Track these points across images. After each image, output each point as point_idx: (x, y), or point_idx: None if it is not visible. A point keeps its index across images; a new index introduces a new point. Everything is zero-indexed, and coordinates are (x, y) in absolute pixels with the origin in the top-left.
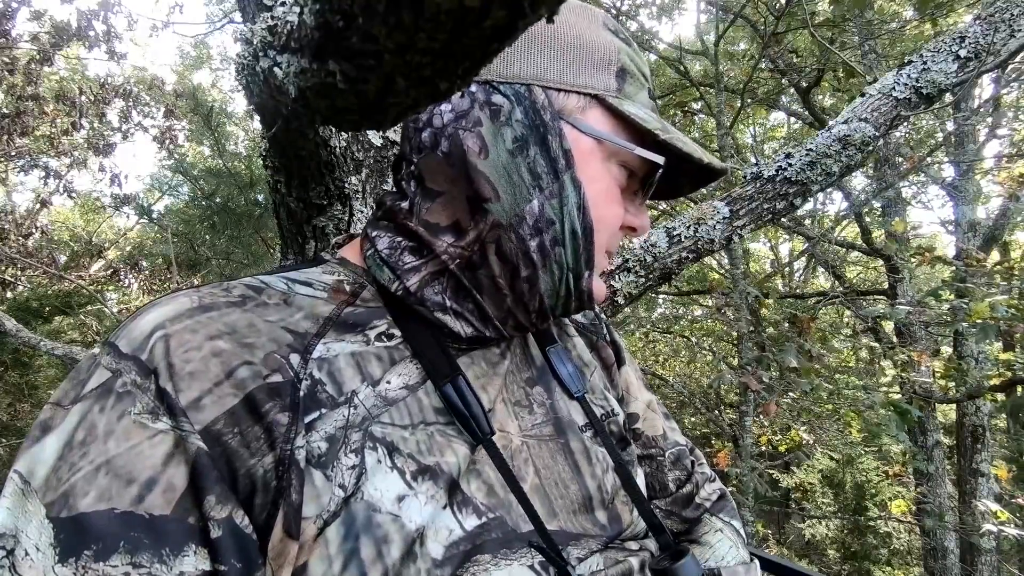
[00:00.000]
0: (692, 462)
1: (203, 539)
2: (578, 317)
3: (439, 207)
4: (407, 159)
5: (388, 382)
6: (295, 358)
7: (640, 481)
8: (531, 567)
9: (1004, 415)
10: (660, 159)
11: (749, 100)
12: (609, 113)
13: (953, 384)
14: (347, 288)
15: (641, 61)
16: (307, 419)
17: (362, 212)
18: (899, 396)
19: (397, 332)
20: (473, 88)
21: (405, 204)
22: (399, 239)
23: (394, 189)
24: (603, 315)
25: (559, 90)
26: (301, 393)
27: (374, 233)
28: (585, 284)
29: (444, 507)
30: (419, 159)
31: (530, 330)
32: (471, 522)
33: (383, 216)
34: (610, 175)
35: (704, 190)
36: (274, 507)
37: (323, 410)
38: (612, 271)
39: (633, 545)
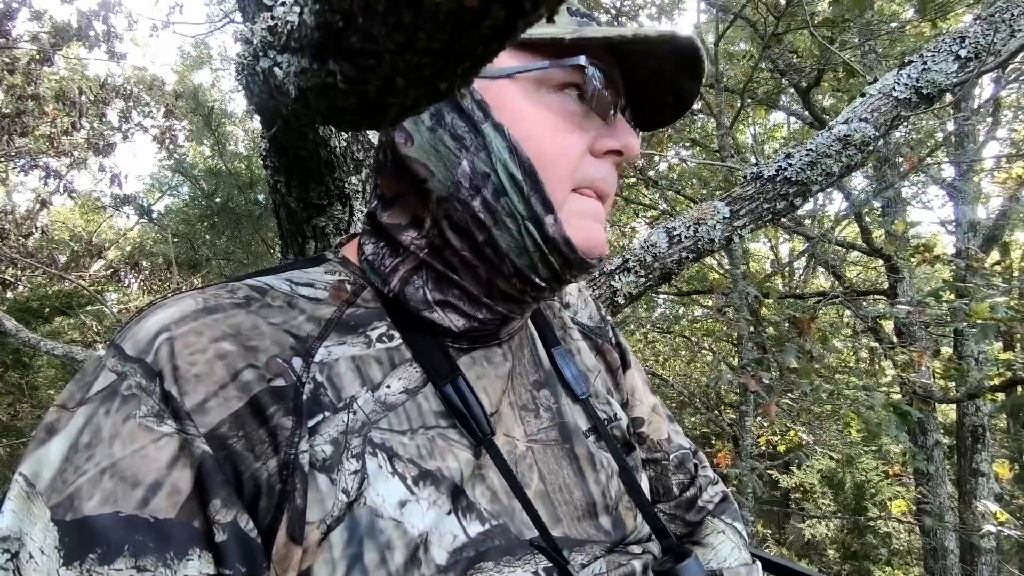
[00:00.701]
0: (695, 465)
1: (208, 543)
2: (584, 319)
3: (397, 210)
4: (375, 180)
5: (388, 386)
6: (297, 362)
7: (644, 486)
8: (535, 573)
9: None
10: (577, 59)
11: (749, 100)
12: (513, 47)
13: (953, 384)
14: (348, 288)
15: None
16: (311, 423)
17: (362, 212)
18: (899, 396)
19: (397, 334)
20: None
21: (376, 217)
22: (381, 243)
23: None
24: (608, 317)
25: None
26: (304, 397)
27: (362, 239)
28: (552, 231)
29: (448, 513)
30: (379, 178)
31: (524, 301)
32: (475, 528)
33: (367, 222)
34: (546, 106)
35: (704, 190)
36: (278, 511)
37: (326, 413)
38: (612, 271)
39: (636, 548)
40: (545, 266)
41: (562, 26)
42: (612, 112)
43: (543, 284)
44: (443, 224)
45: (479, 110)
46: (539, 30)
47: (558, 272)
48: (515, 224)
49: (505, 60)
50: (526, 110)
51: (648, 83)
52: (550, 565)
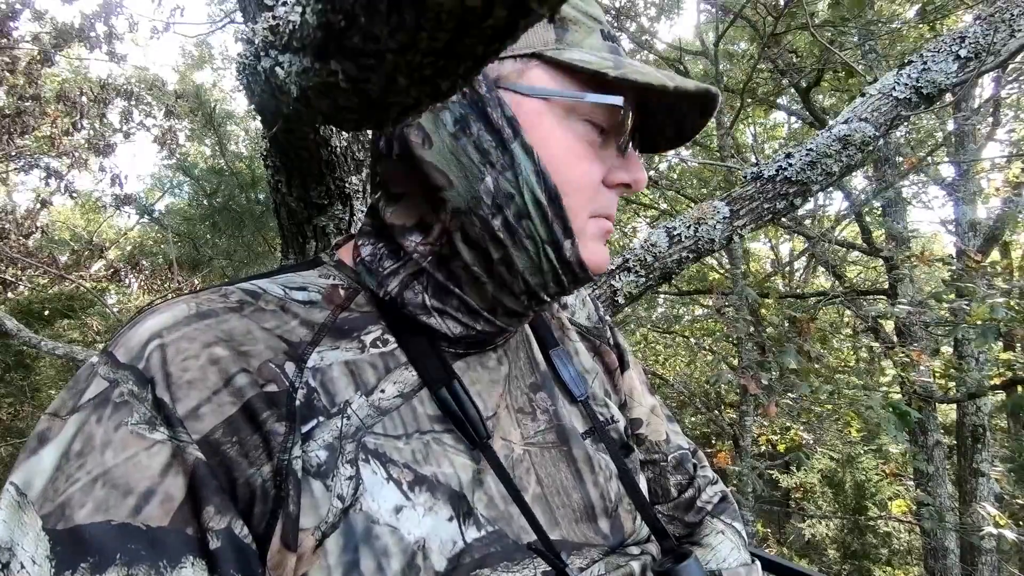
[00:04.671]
0: (694, 465)
1: (201, 550)
2: (582, 320)
3: (402, 209)
4: (374, 169)
5: (382, 391)
6: (290, 367)
7: (643, 487)
8: None
9: (1004, 415)
10: (617, 99)
11: (749, 100)
12: (552, 67)
13: (953, 384)
14: (342, 292)
15: (585, 2)
16: (304, 428)
17: (362, 211)
18: (899, 396)
19: (391, 338)
20: None
21: (380, 212)
22: (380, 245)
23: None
24: (607, 317)
25: None
26: (297, 402)
27: (360, 241)
28: (569, 254)
29: (449, 519)
30: (380, 167)
31: (527, 315)
32: (472, 534)
33: (367, 221)
34: (572, 133)
35: (704, 190)
36: (273, 517)
37: (320, 418)
38: (612, 271)
39: (635, 550)
40: (556, 284)
41: (595, 51)
42: (624, 145)
43: (548, 299)
44: (455, 236)
45: (509, 127)
46: (580, 55)
47: (565, 288)
48: (534, 246)
49: (542, 80)
50: (556, 135)
51: (656, 113)
52: (549, 569)
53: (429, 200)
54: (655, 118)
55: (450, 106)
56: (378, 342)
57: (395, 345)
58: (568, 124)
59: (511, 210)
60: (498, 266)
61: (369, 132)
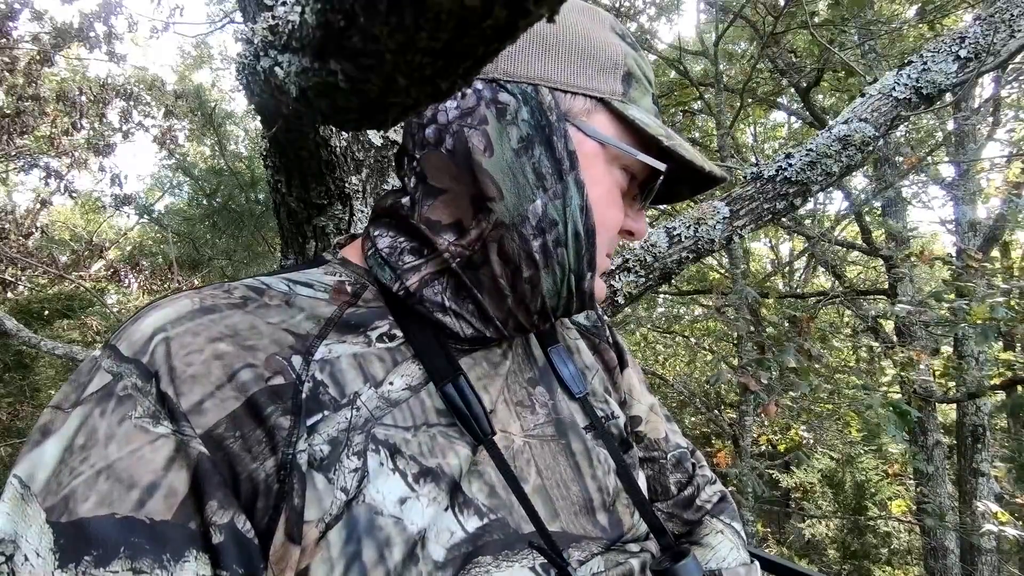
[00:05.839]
0: (693, 464)
1: (204, 544)
2: (580, 319)
3: (441, 205)
4: (410, 155)
5: (391, 383)
6: (297, 360)
7: (642, 484)
8: (532, 569)
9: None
10: (663, 166)
11: (749, 100)
12: (614, 117)
13: (953, 384)
14: (348, 289)
15: (646, 66)
16: (309, 422)
17: (362, 212)
18: (899, 396)
19: (399, 333)
20: (479, 85)
21: (407, 201)
22: (400, 239)
23: (396, 187)
24: (605, 317)
25: (566, 92)
26: (303, 395)
27: (375, 232)
28: (587, 285)
29: (446, 509)
30: (422, 155)
31: (531, 331)
32: (472, 524)
33: (384, 213)
34: (612, 179)
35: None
36: (276, 511)
37: (325, 412)
38: (612, 271)
39: (634, 547)
40: (565, 309)
41: (650, 113)
42: (638, 198)
43: (555, 319)
44: (491, 246)
45: (569, 160)
46: (640, 115)
47: (571, 313)
48: (562, 273)
49: (604, 126)
50: (602, 179)
51: (674, 176)
52: (547, 561)
53: (473, 204)
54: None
55: (518, 123)
56: (384, 337)
57: (402, 340)
58: (611, 170)
59: (551, 236)
60: (524, 284)
61: (370, 132)
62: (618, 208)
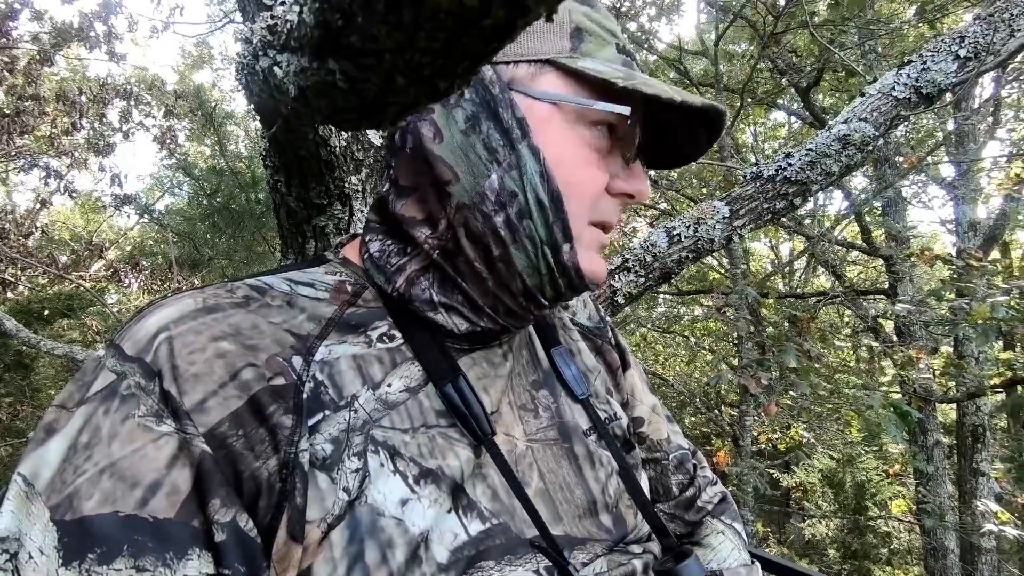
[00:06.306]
0: (694, 465)
1: (207, 542)
2: (583, 320)
3: (412, 202)
4: (387, 163)
5: (389, 385)
6: (297, 360)
7: (644, 485)
8: (536, 572)
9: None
10: (624, 109)
11: (749, 100)
12: (563, 74)
13: (953, 384)
14: (349, 288)
15: (604, 18)
16: (311, 421)
17: (362, 212)
18: (899, 396)
19: (398, 333)
20: None
21: (389, 204)
22: (389, 242)
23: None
24: (607, 317)
25: (507, 62)
26: (304, 395)
27: (367, 237)
28: (567, 258)
29: (448, 511)
30: (394, 160)
31: (526, 318)
32: (475, 527)
33: (373, 219)
34: (579, 138)
35: (704, 190)
36: (278, 510)
37: (326, 412)
38: (612, 271)
39: (636, 548)
40: (552, 288)
41: (609, 62)
42: (630, 156)
43: (545, 302)
44: (459, 231)
45: (519, 128)
46: (592, 64)
47: (562, 294)
48: (533, 247)
49: (553, 85)
50: (563, 139)
51: (665, 131)
52: (551, 564)
53: (437, 194)
54: (667, 138)
55: (463, 104)
56: (384, 337)
57: (401, 340)
58: (576, 130)
59: (513, 208)
60: (498, 263)
61: (369, 132)
62: (595, 168)
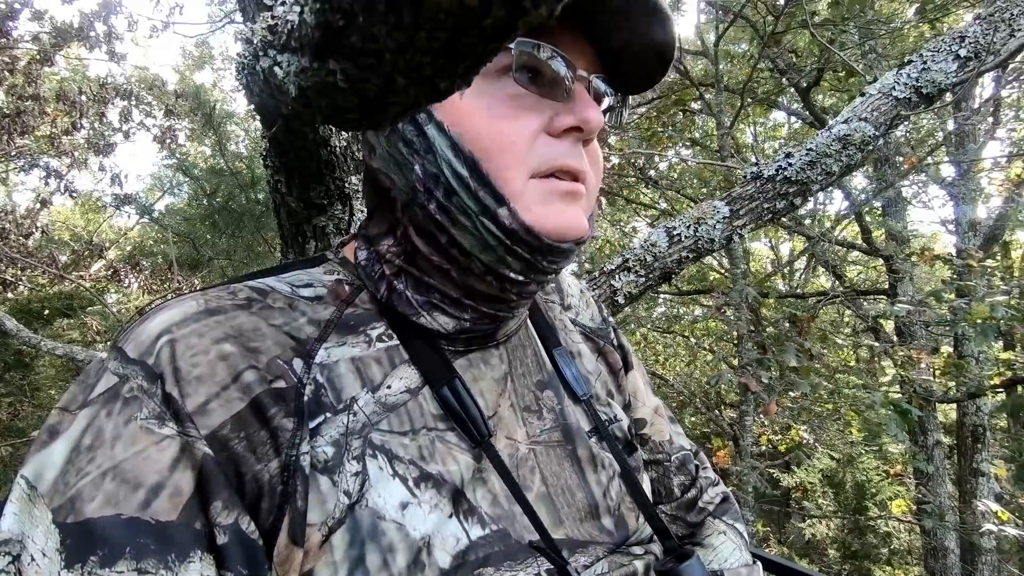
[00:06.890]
0: (696, 466)
1: (209, 545)
2: (585, 320)
3: (376, 221)
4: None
5: (388, 387)
6: (298, 363)
7: (646, 487)
8: (536, 575)
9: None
10: (511, 43)
11: (749, 100)
12: None
13: (953, 384)
14: (346, 288)
15: None
16: (312, 424)
17: (362, 212)
18: (899, 395)
19: (394, 333)
20: None
21: (365, 229)
22: (371, 250)
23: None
24: (610, 318)
25: None
26: (305, 398)
27: (356, 245)
28: (508, 221)
29: (450, 516)
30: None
31: (508, 300)
32: (476, 532)
33: (361, 232)
34: (492, 96)
35: (704, 190)
36: (280, 513)
37: (327, 415)
38: (612, 271)
39: (638, 550)
40: (514, 258)
41: None
42: (566, 88)
43: (520, 278)
44: (410, 230)
45: (423, 112)
46: None
47: (531, 262)
48: (470, 221)
49: None
50: (465, 103)
51: (622, 51)
52: (553, 568)
53: (388, 205)
54: (630, 58)
55: None
56: (384, 336)
57: (398, 342)
58: (484, 89)
59: (440, 190)
60: (450, 249)
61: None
62: (513, 118)
